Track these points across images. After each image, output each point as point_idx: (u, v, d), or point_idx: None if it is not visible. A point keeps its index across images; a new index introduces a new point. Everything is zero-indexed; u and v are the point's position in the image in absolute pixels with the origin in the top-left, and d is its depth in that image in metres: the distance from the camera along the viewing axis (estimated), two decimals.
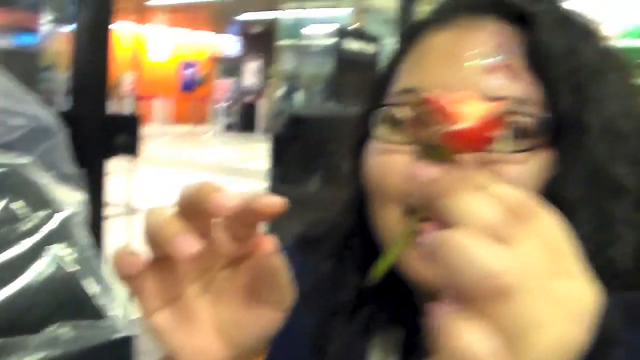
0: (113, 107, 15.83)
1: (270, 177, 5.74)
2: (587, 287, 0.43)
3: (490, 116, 0.47)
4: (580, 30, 0.73)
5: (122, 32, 13.22)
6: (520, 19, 0.71)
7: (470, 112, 0.46)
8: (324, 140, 0.90)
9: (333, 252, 0.84)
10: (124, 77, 16.55)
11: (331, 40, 5.73)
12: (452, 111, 0.46)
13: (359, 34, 5.38)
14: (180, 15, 22.69)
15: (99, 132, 2.05)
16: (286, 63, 6.86)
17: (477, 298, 0.39)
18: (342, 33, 5.24)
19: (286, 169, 5.45)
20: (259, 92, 22.49)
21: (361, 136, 0.78)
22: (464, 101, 0.48)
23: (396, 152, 0.71)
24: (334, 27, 5.73)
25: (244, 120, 22.85)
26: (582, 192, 0.67)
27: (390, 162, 0.71)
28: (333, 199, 0.90)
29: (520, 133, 0.67)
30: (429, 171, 0.52)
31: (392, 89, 0.76)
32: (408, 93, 0.72)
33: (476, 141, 0.47)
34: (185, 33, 25.82)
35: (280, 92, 6.80)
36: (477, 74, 0.69)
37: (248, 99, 23.28)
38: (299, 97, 6.61)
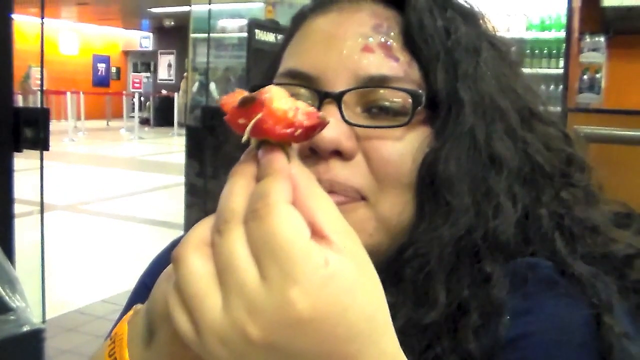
0: (24, 101, 15.28)
1: (187, 170, 5.69)
2: (280, 294, 0.43)
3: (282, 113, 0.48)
4: (457, 13, 0.77)
5: (28, 24, 12.79)
6: (397, 2, 0.75)
7: (272, 107, 0.48)
8: (233, 133, 0.91)
9: None
10: (32, 71, 15.99)
11: (244, 33, 5.72)
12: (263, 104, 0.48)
13: (272, 27, 5.39)
14: (89, 9, 22.08)
15: (5, 125, 2.01)
16: (200, 56, 6.79)
17: None
18: (255, 25, 5.24)
19: (202, 162, 5.41)
20: (174, 86, 22.17)
21: None
22: (279, 96, 0.49)
23: None
24: (247, 20, 5.72)
25: (159, 115, 22.47)
26: (458, 166, 0.70)
27: None
28: None
29: (396, 110, 0.70)
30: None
31: (278, 71, 0.78)
32: (289, 75, 0.74)
33: (272, 133, 0.48)
34: (94, 28, 25.14)
35: (196, 85, 6.73)
36: (354, 53, 0.72)
37: (164, 92, 22.92)
38: (214, 90, 6.57)
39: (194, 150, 5.67)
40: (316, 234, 0.45)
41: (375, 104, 0.71)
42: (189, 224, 5.35)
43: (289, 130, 0.48)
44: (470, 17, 0.78)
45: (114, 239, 7.11)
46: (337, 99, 0.70)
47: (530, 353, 0.62)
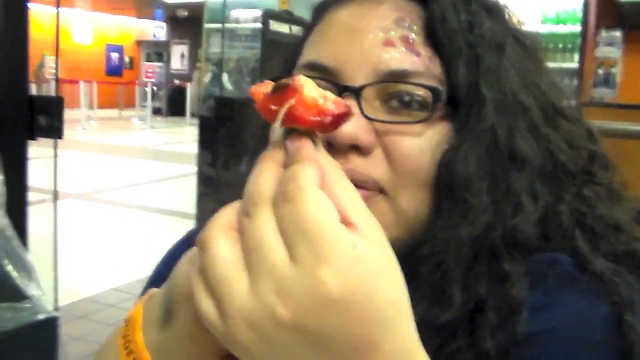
0: (37, 90, 15.35)
1: (200, 160, 5.69)
2: (311, 274, 0.44)
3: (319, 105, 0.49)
4: (482, 7, 0.75)
5: (42, 13, 12.82)
6: None
7: (307, 97, 0.49)
8: (251, 122, 0.91)
9: None
10: (46, 60, 16.04)
11: (258, 24, 5.70)
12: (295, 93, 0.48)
13: (286, 18, 5.37)
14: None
15: (19, 113, 2.01)
16: (213, 46, 6.79)
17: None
18: (270, 16, 5.22)
19: (215, 152, 5.41)
20: (187, 76, 22.20)
21: None
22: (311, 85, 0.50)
23: None
24: (261, 10, 5.70)
25: (172, 104, 22.51)
26: (478, 164, 0.69)
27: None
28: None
29: (416, 105, 0.69)
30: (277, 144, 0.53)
31: (298, 63, 0.77)
32: (310, 67, 0.73)
33: (305, 122, 0.49)
34: (108, 17, 25.19)
35: (209, 75, 6.74)
36: (375, 47, 0.70)
37: (176, 82, 22.95)
38: (227, 81, 6.57)
39: (206, 141, 5.67)
40: (343, 220, 0.46)
41: (395, 98, 0.70)
42: (201, 214, 5.37)
43: (319, 118, 0.49)
44: (495, 12, 0.77)
45: (126, 228, 7.14)
46: (357, 93, 0.69)
47: (549, 349, 0.62)
